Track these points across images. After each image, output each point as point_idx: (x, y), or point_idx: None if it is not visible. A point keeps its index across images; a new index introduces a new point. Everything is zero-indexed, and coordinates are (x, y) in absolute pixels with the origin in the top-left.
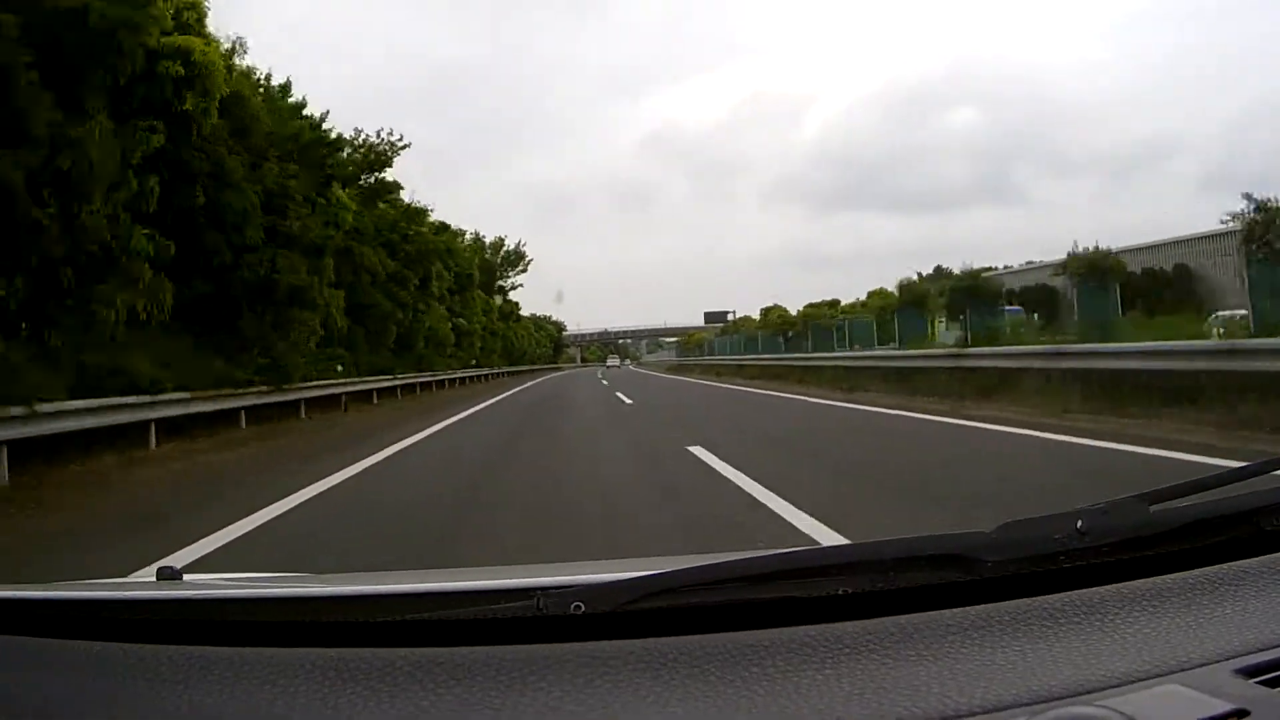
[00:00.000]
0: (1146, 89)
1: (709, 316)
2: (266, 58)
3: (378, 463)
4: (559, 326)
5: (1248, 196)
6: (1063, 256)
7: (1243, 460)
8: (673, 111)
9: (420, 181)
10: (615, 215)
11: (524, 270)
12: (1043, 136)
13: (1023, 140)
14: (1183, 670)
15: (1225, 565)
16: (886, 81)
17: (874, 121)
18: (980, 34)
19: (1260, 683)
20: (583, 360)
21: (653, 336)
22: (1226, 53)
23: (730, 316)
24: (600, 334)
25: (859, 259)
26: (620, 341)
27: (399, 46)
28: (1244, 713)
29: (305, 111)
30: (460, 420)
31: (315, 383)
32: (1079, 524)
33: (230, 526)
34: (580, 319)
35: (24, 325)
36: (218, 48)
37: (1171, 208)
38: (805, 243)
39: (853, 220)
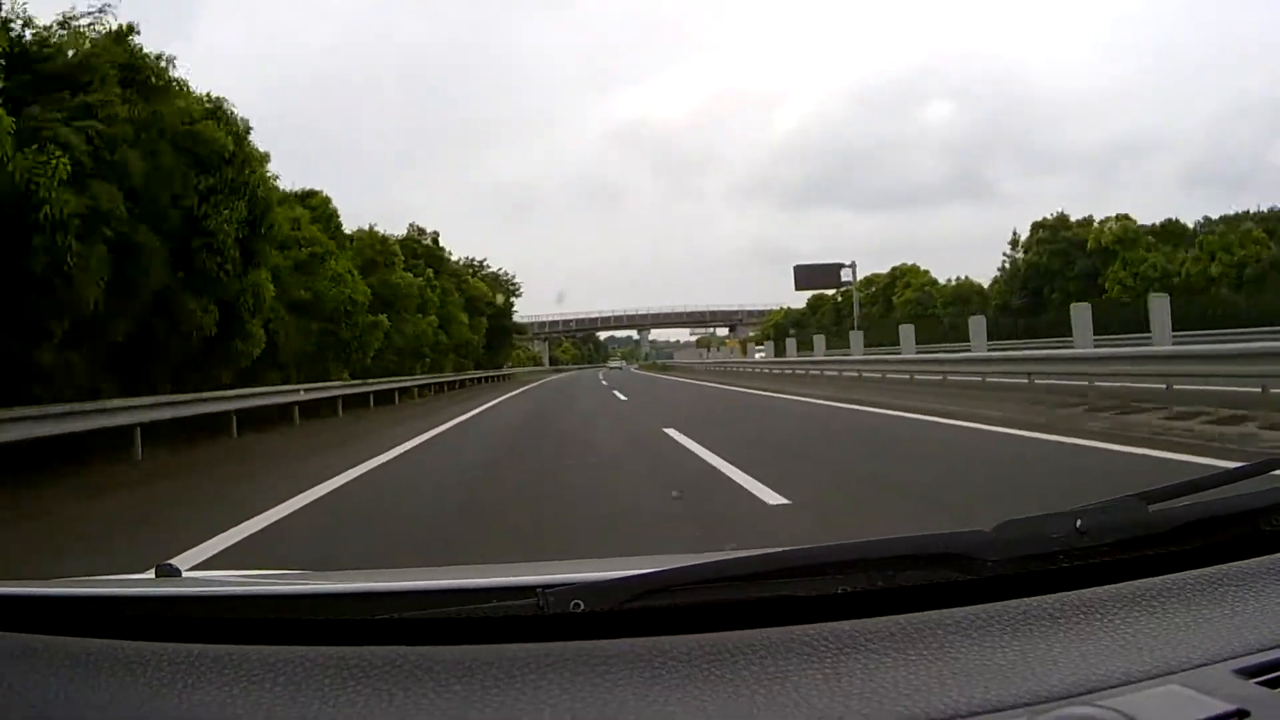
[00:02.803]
0: (1128, 85)
1: (801, 274)
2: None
3: None
4: (507, 290)
5: None
6: None
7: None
8: (644, 107)
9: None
10: (590, 209)
11: None
12: (1022, 132)
13: (1003, 137)
14: (1182, 670)
15: (1224, 565)
16: (861, 78)
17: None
18: (957, 28)
19: (1260, 683)
20: (552, 363)
21: (655, 325)
22: (1208, 50)
23: (848, 275)
24: (579, 321)
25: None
26: (599, 334)
27: (373, 37)
28: (1244, 713)
29: None
30: None
31: None
32: (1078, 524)
33: None
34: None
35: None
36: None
37: (1157, 206)
38: (777, 237)
39: (827, 214)
